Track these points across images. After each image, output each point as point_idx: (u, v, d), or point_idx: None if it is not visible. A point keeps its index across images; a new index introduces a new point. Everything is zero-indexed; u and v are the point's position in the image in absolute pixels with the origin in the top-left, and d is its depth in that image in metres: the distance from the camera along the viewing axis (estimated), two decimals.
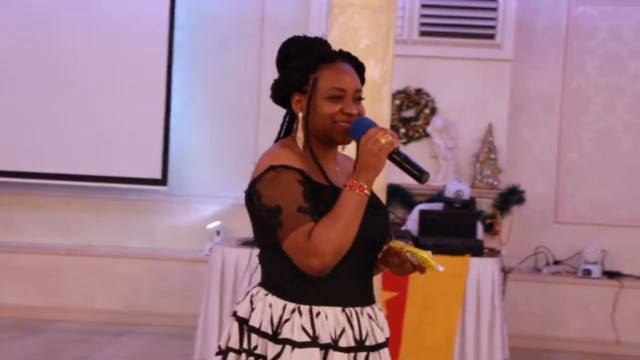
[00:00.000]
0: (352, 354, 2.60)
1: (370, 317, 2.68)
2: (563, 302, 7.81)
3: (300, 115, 2.69)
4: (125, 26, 8.42)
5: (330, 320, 2.59)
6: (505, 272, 7.35)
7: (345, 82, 2.64)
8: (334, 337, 2.58)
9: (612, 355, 7.81)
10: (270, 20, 8.56)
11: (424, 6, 8.17)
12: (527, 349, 7.62)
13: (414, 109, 8.24)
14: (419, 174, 2.56)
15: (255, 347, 2.60)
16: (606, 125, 8.42)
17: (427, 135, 8.21)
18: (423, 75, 8.22)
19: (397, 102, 8.18)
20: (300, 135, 2.68)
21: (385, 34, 3.87)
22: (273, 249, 2.61)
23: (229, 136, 8.62)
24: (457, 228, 6.63)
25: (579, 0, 8.48)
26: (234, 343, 2.65)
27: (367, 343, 2.64)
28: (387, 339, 2.75)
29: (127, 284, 8.25)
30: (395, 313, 6.55)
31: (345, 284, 2.63)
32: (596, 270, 8.00)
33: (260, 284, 2.69)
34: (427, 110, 8.23)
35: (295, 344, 2.55)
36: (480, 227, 6.87)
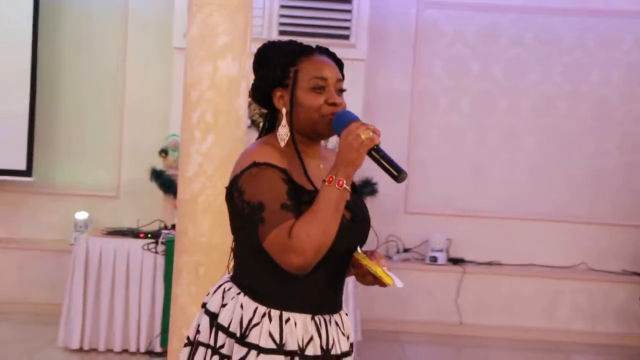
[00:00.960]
0: None
1: (337, 324, 2.60)
2: (412, 287, 7.96)
3: (284, 110, 2.56)
4: None
5: (299, 327, 2.50)
6: None
7: (326, 71, 2.53)
8: (301, 345, 2.49)
9: (455, 335, 8.01)
10: (134, 16, 8.47)
11: (283, 7, 8.20)
12: (379, 331, 7.78)
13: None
14: (397, 173, 2.46)
15: (222, 346, 2.52)
16: (451, 122, 8.62)
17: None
18: None
19: None
20: (282, 131, 2.55)
21: (242, 32, 3.90)
22: (251, 249, 2.50)
23: (94, 129, 8.51)
24: None
25: (427, 4, 8.66)
26: (204, 338, 2.57)
27: (333, 352, 2.55)
28: (352, 344, 2.69)
29: None
30: None
31: (317, 291, 2.54)
32: (442, 257, 8.23)
33: (232, 279, 2.61)
34: None
35: (261, 350, 2.46)
36: None
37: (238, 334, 2.49)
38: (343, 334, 2.61)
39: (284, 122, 2.55)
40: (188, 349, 2.63)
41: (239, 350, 2.48)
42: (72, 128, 8.53)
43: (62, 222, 8.30)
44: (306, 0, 8.24)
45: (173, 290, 3.97)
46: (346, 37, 8.21)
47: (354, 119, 2.49)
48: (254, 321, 2.48)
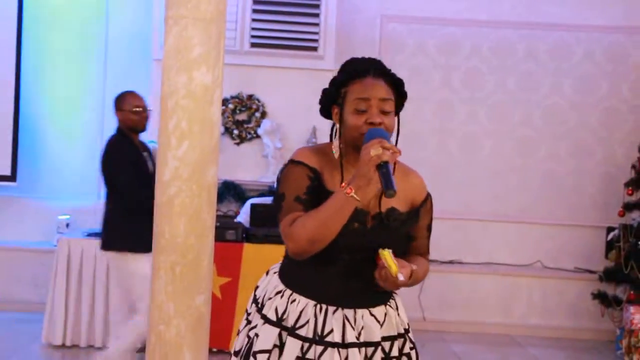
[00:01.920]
0: (306, 344, 2.60)
1: (346, 318, 2.63)
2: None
3: (337, 125, 2.69)
4: None
5: (299, 307, 2.63)
6: None
7: (368, 92, 2.60)
8: (294, 324, 2.61)
9: (419, 330, 8.01)
10: (116, 30, 8.47)
11: (254, 20, 8.21)
12: None
13: (246, 113, 8.28)
14: (386, 189, 2.48)
15: (251, 313, 2.79)
16: (414, 128, 8.65)
17: (258, 136, 8.25)
18: (254, 82, 8.27)
19: (231, 106, 8.24)
20: (335, 143, 2.68)
21: (216, 43, 3.90)
22: None
23: (75, 136, 8.49)
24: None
25: (390, 18, 8.71)
26: (248, 307, 2.86)
27: (328, 339, 2.60)
28: (393, 336, 2.69)
29: None
30: (229, 297, 6.61)
31: (325, 283, 2.62)
32: None
33: (281, 262, 2.83)
34: (257, 114, 8.27)
35: (266, 319, 2.66)
36: None
37: (260, 304, 2.74)
38: (352, 327, 2.63)
39: (337, 136, 2.68)
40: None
41: (257, 319, 2.73)
42: (54, 135, 8.50)
43: (45, 224, 8.26)
44: (276, 14, 8.25)
45: (151, 288, 3.97)
46: (314, 49, 8.23)
47: (377, 136, 2.54)
48: (269, 296, 2.71)
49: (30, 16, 8.31)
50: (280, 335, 2.63)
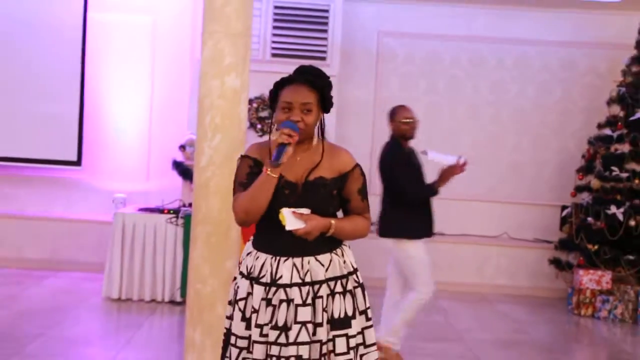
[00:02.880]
0: (267, 288, 2.71)
1: (294, 265, 2.70)
2: (374, 252, 7.98)
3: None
4: (44, 26, 8.15)
5: (261, 262, 2.74)
6: None
7: (291, 97, 2.69)
8: (258, 275, 2.73)
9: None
10: (162, 40, 8.45)
11: (274, 35, 8.18)
12: None
13: (267, 111, 8.24)
14: (271, 161, 2.62)
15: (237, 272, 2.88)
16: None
17: (278, 130, 8.22)
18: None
19: (255, 105, 8.19)
20: (273, 135, 2.77)
21: (244, 54, 3.87)
22: None
23: (129, 129, 8.49)
24: None
25: (385, 34, 8.66)
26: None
27: (280, 281, 2.69)
28: (339, 276, 2.74)
29: (51, 239, 8.03)
30: None
31: (276, 240, 2.72)
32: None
33: None
34: None
35: (242, 275, 2.78)
36: None
37: (239, 265, 2.85)
38: (297, 270, 2.70)
39: (274, 129, 2.78)
40: None
41: (237, 274, 2.84)
42: (112, 128, 8.49)
43: (104, 202, 8.27)
44: (292, 29, 8.21)
45: (190, 254, 3.95)
46: (323, 59, 8.20)
47: (284, 127, 2.63)
48: (244, 257, 2.82)
49: (92, 24, 8.28)
50: (251, 285, 2.74)
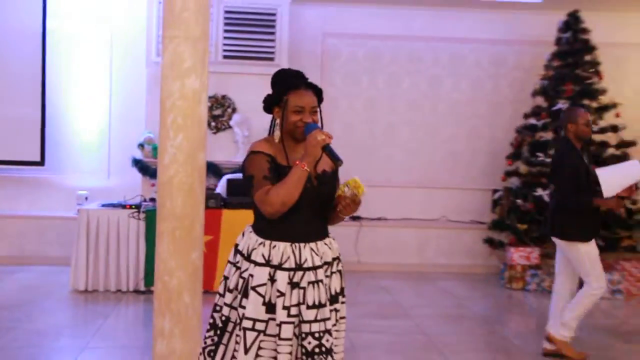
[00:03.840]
0: (292, 272, 2.76)
1: (312, 249, 2.81)
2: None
3: (278, 121, 2.86)
4: (4, 32, 7.93)
5: (280, 250, 2.77)
6: None
7: (303, 102, 2.80)
8: (280, 262, 2.76)
9: (355, 271, 8.06)
10: (118, 43, 8.29)
11: (226, 37, 8.09)
12: None
13: (220, 109, 8.17)
14: (336, 161, 2.72)
15: (238, 262, 2.86)
16: (349, 119, 8.65)
17: (230, 127, 8.17)
18: (227, 85, 8.16)
19: (209, 104, 8.10)
20: (277, 134, 2.86)
21: (202, 57, 3.81)
22: (255, 205, 2.80)
23: (89, 128, 8.30)
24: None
25: (329, 35, 8.63)
26: (230, 258, 2.92)
27: (305, 265, 2.77)
28: (333, 258, 2.88)
29: (17, 236, 7.83)
30: (212, 251, 6.53)
31: (294, 228, 2.79)
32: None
33: (252, 225, 2.91)
34: (229, 110, 8.19)
35: (257, 264, 2.77)
36: None
37: (246, 254, 2.82)
38: (317, 254, 2.81)
39: (277, 128, 2.87)
40: (228, 265, 2.94)
41: (245, 264, 2.81)
42: (72, 129, 8.30)
43: (67, 199, 8.09)
44: (242, 32, 8.13)
45: (157, 248, 3.88)
46: (272, 59, 8.15)
47: (314, 128, 2.77)
48: (253, 246, 2.81)
49: (51, 30, 8.07)
50: (269, 272, 2.76)
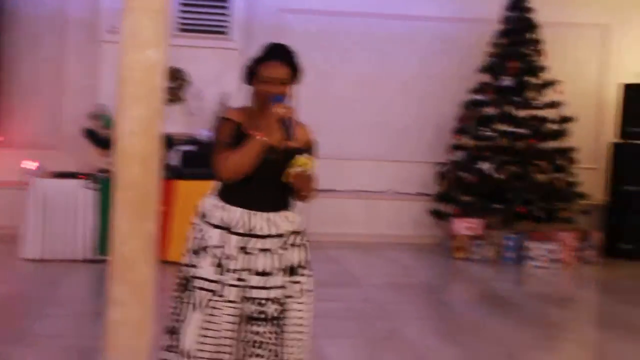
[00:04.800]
0: (243, 238, 2.80)
1: (266, 219, 2.83)
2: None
3: (253, 90, 2.89)
4: None
5: (236, 215, 2.81)
6: None
7: (271, 73, 2.83)
8: (234, 225, 2.81)
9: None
10: (74, 19, 8.04)
11: (181, 11, 7.96)
12: None
13: (175, 82, 8.03)
14: (287, 135, 2.76)
15: (197, 224, 2.92)
16: (303, 94, 8.58)
17: (184, 100, 8.05)
18: (182, 58, 8.00)
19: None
20: (253, 103, 2.89)
21: (162, 29, 3.72)
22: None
23: (43, 100, 8.07)
24: (207, 160, 6.57)
25: (284, 10, 8.43)
26: (193, 220, 2.96)
27: (255, 232, 2.81)
28: (294, 232, 2.89)
29: None
30: (165, 222, 6.45)
31: (252, 195, 2.83)
32: None
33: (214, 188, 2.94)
34: (184, 83, 8.06)
35: (211, 225, 2.84)
36: None
37: (204, 217, 2.89)
38: (271, 224, 2.83)
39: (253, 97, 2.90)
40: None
41: (203, 225, 2.88)
42: (25, 99, 8.06)
43: (18, 168, 7.87)
44: (197, 6, 8.01)
45: (112, 217, 3.80)
46: (226, 33, 8.04)
47: (278, 100, 2.79)
48: (210, 209, 2.88)
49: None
50: (222, 235, 2.81)
